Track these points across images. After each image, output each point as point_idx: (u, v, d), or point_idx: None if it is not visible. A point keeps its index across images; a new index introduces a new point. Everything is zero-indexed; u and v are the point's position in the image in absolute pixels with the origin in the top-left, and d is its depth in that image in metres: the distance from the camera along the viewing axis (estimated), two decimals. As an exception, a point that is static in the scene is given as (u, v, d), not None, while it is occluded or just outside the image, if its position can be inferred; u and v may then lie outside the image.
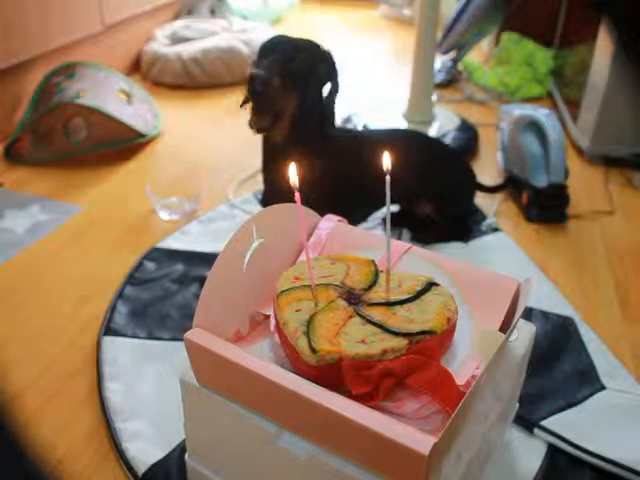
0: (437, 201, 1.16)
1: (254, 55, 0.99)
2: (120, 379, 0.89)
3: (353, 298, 0.60)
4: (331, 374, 0.54)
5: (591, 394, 0.87)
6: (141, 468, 0.75)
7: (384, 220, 1.25)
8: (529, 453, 0.78)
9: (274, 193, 1.06)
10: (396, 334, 0.55)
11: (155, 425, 0.81)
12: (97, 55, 1.88)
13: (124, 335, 0.97)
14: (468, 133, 1.61)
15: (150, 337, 0.97)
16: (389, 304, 0.59)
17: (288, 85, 0.93)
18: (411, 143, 1.15)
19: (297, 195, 0.57)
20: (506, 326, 0.61)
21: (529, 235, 1.25)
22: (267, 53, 0.94)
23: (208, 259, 1.14)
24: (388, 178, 0.59)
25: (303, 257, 0.70)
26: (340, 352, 0.53)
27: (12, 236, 1.23)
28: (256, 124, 0.95)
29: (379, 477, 0.51)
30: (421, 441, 0.47)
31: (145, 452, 0.77)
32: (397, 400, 0.54)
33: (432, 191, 1.15)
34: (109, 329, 0.98)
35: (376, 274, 0.63)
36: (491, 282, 0.65)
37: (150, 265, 1.14)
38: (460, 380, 0.54)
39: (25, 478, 0.22)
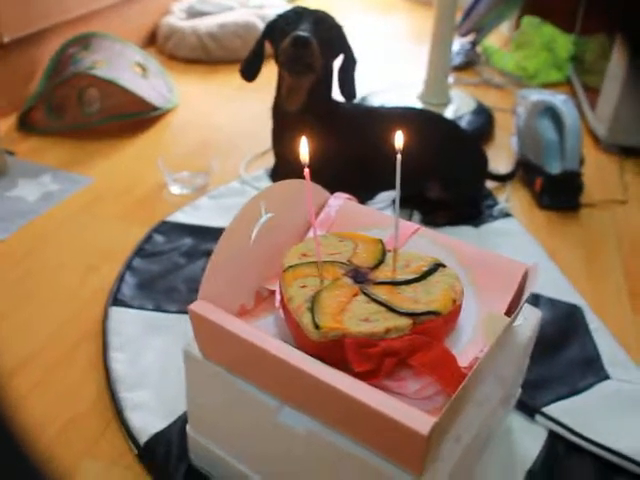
0: (448, 183, 1.15)
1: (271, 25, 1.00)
2: (125, 349, 0.89)
3: (359, 276, 0.60)
4: (334, 351, 0.54)
5: (595, 383, 0.86)
6: (143, 437, 0.76)
7: (394, 201, 1.24)
8: (529, 439, 0.78)
9: (285, 165, 1.06)
10: (400, 313, 0.55)
11: (158, 396, 0.82)
12: (113, 27, 1.87)
13: (131, 306, 0.97)
14: (484, 117, 1.60)
15: (157, 309, 0.97)
16: (395, 283, 0.59)
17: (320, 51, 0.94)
18: (423, 122, 1.14)
19: (306, 171, 0.57)
20: (512, 310, 0.61)
21: (540, 222, 1.24)
22: (295, 20, 0.94)
23: (217, 234, 1.12)
24: (399, 157, 0.58)
25: (311, 234, 0.70)
26: (343, 329, 0.53)
27: (23, 205, 1.24)
28: (294, 87, 0.97)
29: (378, 455, 0.52)
30: (421, 421, 0.47)
31: (147, 422, 0.78)
32: (399, 379, 0.54)
33: (443, 172, 1.14)
34: (116, 300, 0.98)
35: (383, 253, 0.63)
36: (499, 266, 0.64)
37: (159, 238, 1.14)
38: (463, 362, 0.54)
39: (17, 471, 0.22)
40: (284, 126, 1.02)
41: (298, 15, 0.95)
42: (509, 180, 1.33)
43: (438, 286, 0.58)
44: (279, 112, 1.02)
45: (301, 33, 0.90)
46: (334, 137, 1.01)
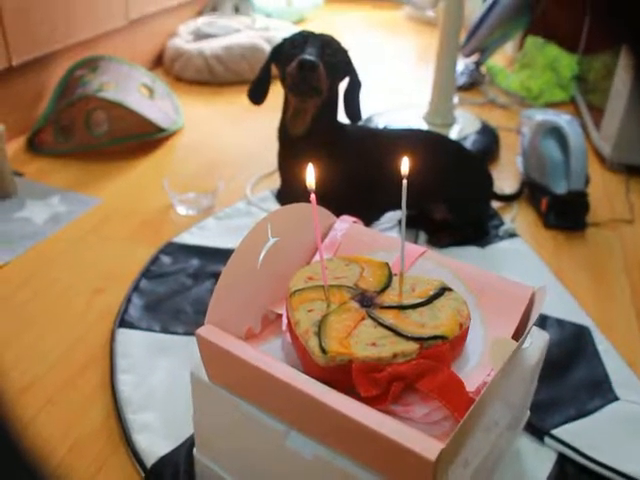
0: (453, 204, 1.15)
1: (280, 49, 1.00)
2: (133, 371, 0.89)
3: (366, 300, 0.60)
4: (341, 376, 0.54)
5: (604, 405, 0.86)
6: (150, 460, 0.76)
7: (400, 222, 1.24)
8: (538, 461, 0.77)
9: (290, 188, 1.06)
10: (407, 338, 0.55)
11: (165, 418, 0.82)
12: (120, 49, 1.90)
13: (138, 328, 0.98)
14: (489, 137, 1.60)
15: (164, 331, 0.97)
16: (401, 307, 0.59)
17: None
18: (428, 144, 1.14)
19: (312, 196, 0.57)
20: (519, 333, 0.61)
21: (547, 242, 1.24)
22: (301, 43, 0.95)
23: (223, 255, 1.15)
24: (405, 182, 0.59)
25: (318, 257, 0.70)
26: (350, 354, 0.53)
27: (31, 226, 1.24)
28: (300, 110, 0.98)
29: (385, 480, 0.51)
30: (428, 446, 0.46)
31: (155, 444, 0.78)
32: (406, 404, 0.53)
33: (448, 194, 1.15)
34: (124, 321, 0.99)
35: (390, 277, 0.63)
36: (505, 289, 0.64)
37: (166, 259, 1.15)
38: (470, 387, 0.54)
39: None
40: (289, 149, 1.03)
41: (304, 39, 0.96)
42: (515, 200, 1.33)
43: (445, 310, 0.58)
44: (285, 135, 1.03)
45: (308, 57, 0.91)
46: (339, 159, 1.02)
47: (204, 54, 2.01)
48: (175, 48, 2.07)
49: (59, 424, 0.82)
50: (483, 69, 2.09)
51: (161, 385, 0.87)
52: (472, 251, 1.18)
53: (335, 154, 1.01)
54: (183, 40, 2.12)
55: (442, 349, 0.55)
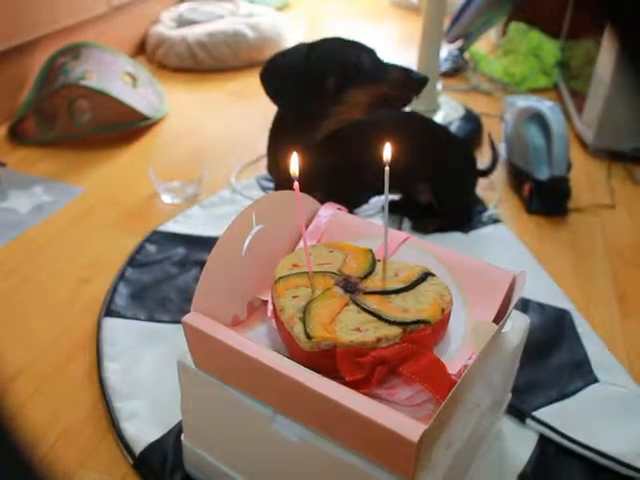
0: (438, 183, 1.16)
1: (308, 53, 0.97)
2: (119, 360, 0.90)
3: (350, 286, 0.61)
4: (325, 360, 0.55)
5: (584, 386, 0.87)
6: (138, 447, 0.77)
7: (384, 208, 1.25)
8: (520, 443, 0.79)
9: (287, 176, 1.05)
10: (390, 323, 0.56)
11: (153, 405, 0.83)
12: (103, 36, 1.88)
13: (124, 317, 0.98)
14: (472, 123, 1.61)
15: (150, 319, 0.98)
16: (385, 293, 0.60)
17: None
18: (414, 124, 1.15)
19: (296, 184, 0.58)
20: (500, 317, 0.62)
21: (529, 227, 1.26)
22: (374, 58, 0.98)
23: (209, 243, 1.15)
24: (387, 169, 0.59)
25: (302, 244, 0.71)
26: (335, 339, 0.54)
27: (15, 216, 1.24)
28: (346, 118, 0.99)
29: (370, 462, 0.53)
30: (411, 428, 0.48)
31: (143, 432, 0.79)
32: (390, 388, 0.55)
33: (433, 171, 1.15)
34: (110, 310, 0.99)
35: (373, 263, 0.64)
36: (487, 274, 0.66)
37: (151, 248, 1.15)
38: (452, 370, 0.55)
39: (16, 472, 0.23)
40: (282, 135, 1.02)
41: (372, 55, 0.97)
42: (490, 174, 1.30)
43: (427, 295, 0.59)
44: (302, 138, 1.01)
45: (422, 75, 0.94)
46: (325, 145, 1.02)
47: (187, 41, 2.00)
48: (158, 35, 2.06)
49: (47, 413, 0.83)
50: (467, 55, 2.10)
51: (148, 373, 0.88)
52: (456, 237, 1.20)
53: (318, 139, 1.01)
54: (166, 27, 2.10)
55: (425, 333, 0.56)
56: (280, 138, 1.02)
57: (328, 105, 0.96)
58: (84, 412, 0.83)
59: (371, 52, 0.98)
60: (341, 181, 1.04)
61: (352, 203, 1.06)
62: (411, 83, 0.94)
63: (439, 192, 1.17)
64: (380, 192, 1.17)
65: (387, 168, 0.60)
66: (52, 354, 0.92)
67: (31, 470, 0.23)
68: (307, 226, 0.73)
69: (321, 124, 0.98)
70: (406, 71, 0.95)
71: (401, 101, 0.96)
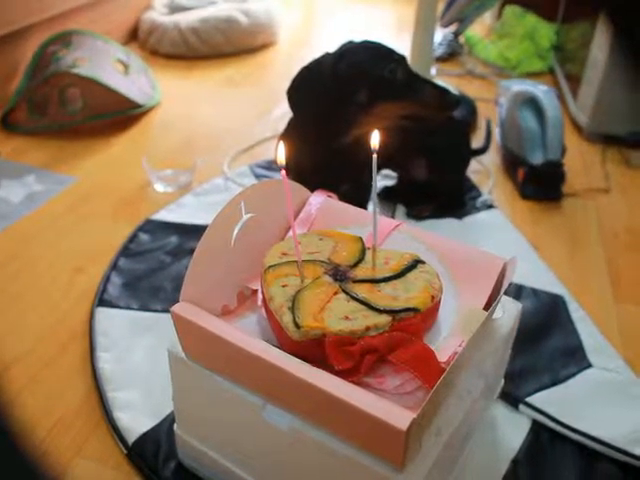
0: (433, 158, 1.15)
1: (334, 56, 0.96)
2: (112, 349, 0.90)
3: (339, 274, 0.60)
4: (315, 349, 0.54)
5: (578, 372, 0.87)
6: (132, 437, 0.77)
7: (377, 195, 1.24)
8: (513, 429, 0.79)
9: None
10: (380, 311, 0.56)
11: (146, 395, 0.83)
12: (95, 23, 1.86)
13: (117, 306, 0.98)
14: (467, 108, 1.60)
15: (143, 309, 0.98)
16: (374, 281, 0.60)
17: None
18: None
19: (283, 172, 0.58)
20: (491, 304, 0.62)
21: (523, 212, 1.25)
22: (411, 74, 0.95)
23: (202, 232, 1.14)
24: (374, 157, 0.59)
25: (292, 233, 0.70)
26: (324, 328, 0.54)
27: (7, 206, 1.23)
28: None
29: (359, 450, 0.52)
30: (399, 416, 0.47)
31: (136, 421, 0.79)
32: (379, 376, 0.54)
33: (429, 144, 1.15)
34: (102, 300, 0.99)
35: (363, 251, 0.64)
36: (478, 260, 0.65)
37: (144, 237, 1.14)
38: (442, 357, 0.55)
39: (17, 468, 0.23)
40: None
41: (405, 66, 0.94)
42: (484, 153, 1.30)
43: (417, 283, 0.59)
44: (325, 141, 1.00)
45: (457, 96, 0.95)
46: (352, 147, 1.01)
47: (180, 27, 1.98)
48: (150, 21, 2.04)
49: (40, 403, 0.83)
50: (461, 39, 2.08)
51: (141, 362, 0.88)
52: (450, 223, 1.19)
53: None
54: (158, 13, 2.08)
55: (414, 321, 0.55)
56: (303, 145, 0.99)
57: (357, 114, 0.95)
58: (78, 401, 0.83)
59: (403, 61, 0.94)
60: (365, 175, 1.03)
61: (369, 190, 1.06)
62: (444, 105, 0.93)
63: (434, 162, 1.16)
64: (382, 167, 1.17)
65: (374, 156, 0.59)
66: (46, 344, 0.92)
67: (26, 457, 0.23)
68: (298, 214, 0.73)
69: (349, 130, 0.96)
70: (440, 91, 0.93)
71: (432, 121, 0.94)
